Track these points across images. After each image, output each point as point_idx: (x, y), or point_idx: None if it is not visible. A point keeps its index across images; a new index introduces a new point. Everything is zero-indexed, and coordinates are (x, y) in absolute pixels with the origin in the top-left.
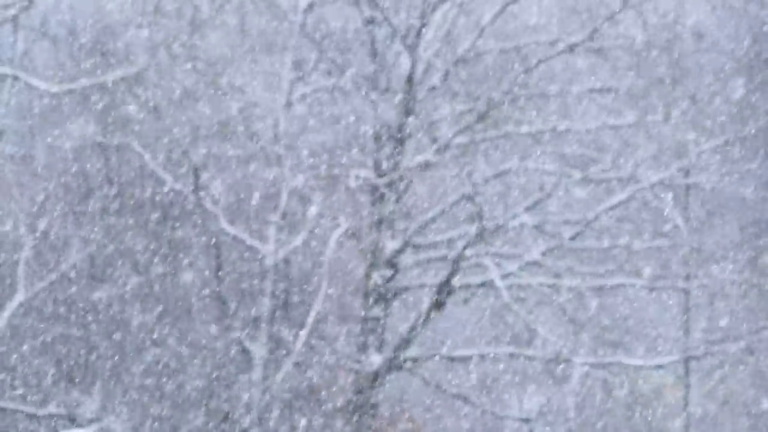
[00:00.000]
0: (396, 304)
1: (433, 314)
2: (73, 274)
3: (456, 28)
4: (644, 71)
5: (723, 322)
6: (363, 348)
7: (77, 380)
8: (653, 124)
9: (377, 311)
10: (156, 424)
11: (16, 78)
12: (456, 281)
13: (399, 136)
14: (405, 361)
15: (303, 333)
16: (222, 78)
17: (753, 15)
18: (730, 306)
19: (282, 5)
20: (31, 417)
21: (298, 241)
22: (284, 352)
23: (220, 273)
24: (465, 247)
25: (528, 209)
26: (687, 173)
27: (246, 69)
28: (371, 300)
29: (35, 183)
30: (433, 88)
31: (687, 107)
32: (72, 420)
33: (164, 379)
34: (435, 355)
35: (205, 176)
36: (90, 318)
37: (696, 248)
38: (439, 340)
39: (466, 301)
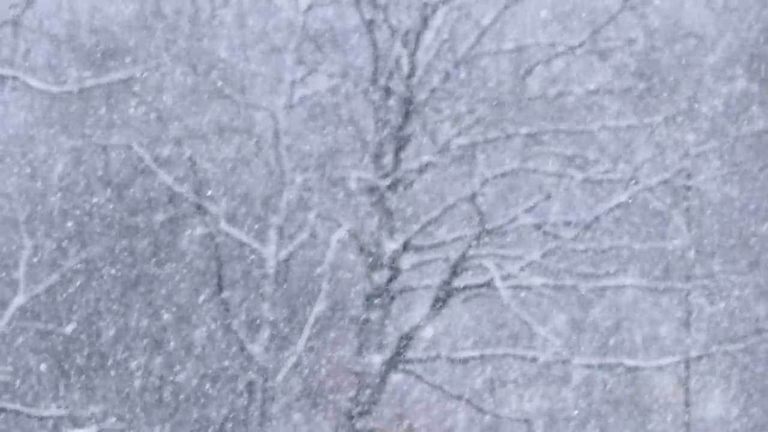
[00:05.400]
0: (396, 305)
1: (433, 315)
2: (72, 276)
3: (456, 30)
4: (644, 72)
5: (723, 323)
6: (363, 349)
7: (77, 380)
8: (653, 125)
9: (377, 312)
10: (156, 424)
11: (16, 78)
12: (456, 282)
13: (399, 137)
14: (405, 362)
15: (304, 334)
16: (223, 79)
17: (753, 15)
18: (730, 306)
19: (282, 7)
20: (32, 417)
21: (298, 242)
22: (285, 353)
23: (220, 274)
24: (466, 249)
25: (528, 210)
26: (687, 174)
27: (246, 70)
28: (371, 301)
29: (35, 184)
30: (434, 89)
31: (687, 108)
32: (72, 420)
33: (164, 380)
34: (435, 356)
35: (205, 178)
36: (89, 319)
37: (696, 248)
38: (440, 341)
39: (466, 302)
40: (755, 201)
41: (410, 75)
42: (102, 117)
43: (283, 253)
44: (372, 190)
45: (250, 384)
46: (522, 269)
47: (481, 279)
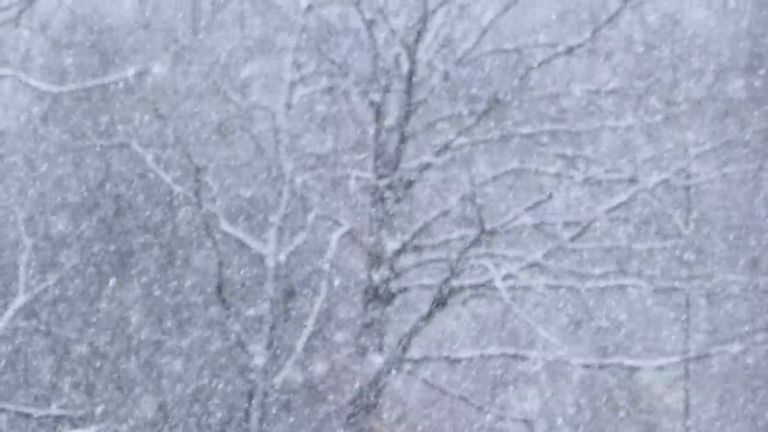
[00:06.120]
0: (396, 305)
1: (433, 315)
2: (72, 276)
3: (456, 30)
4: (644, 72)
5: (723, 323)
6: (363, 349)
7: (77, 381)
8: (653, 125)
9: (377, 312)
10: (156, 425)
11: (16, 79)
12: (456, 282)
13: (399, 137)
14: (405, 362)
15: (304, 334)
16: (222, 79)
17: (752, 15)
18: (730, 307)
19: (282, 6)
20: (31, 417)
21: (298, 242)
22: (285, 353)
23: (220, 274)
24: (465, 249)
25: (528, 210)
26: (687, 174)
27: (246, 70)
28: (371, 301)
29: (35, 183)
30: (433, 89)
31: (687, 108)
32: (72, 420)
33: (164, 380)
34: (435, 356)
35: (205, 177)
36: (89, 319)
37: (696, 249)
38: (440, 341)
39: (465, 302)
40: (755, 201)
41: (410, 75)
42: (102, 117)
43: (283, 253)
44: (372, 190)
45: (250, 384)
46: (522, 269)
47: (481, 279)
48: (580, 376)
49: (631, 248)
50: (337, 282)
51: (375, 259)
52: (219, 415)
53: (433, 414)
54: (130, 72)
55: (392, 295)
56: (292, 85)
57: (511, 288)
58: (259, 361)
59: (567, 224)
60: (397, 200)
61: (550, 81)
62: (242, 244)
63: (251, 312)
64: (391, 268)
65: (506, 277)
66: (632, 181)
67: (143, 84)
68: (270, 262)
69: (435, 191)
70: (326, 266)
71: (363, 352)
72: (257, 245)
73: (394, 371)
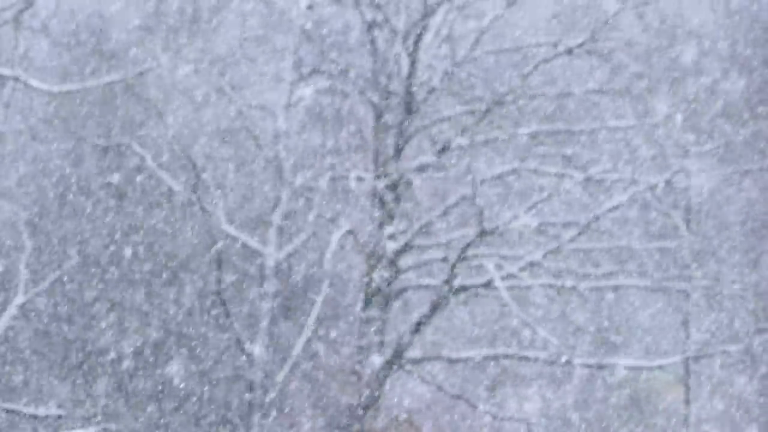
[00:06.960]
0: (396, 305)
1: (433, 315)
2: (72, 276)
3: (456, 30)
4: (644, 73)
5: (723, 323)
6: (363, 349)
7: (77, 381)
8: (653, 125)
9: (378, 312)
10: (156, 424)
11: (16, 79)
12: (456, 282)
13: (399, 137)
14: (406, 362)
15: (303, 334)
16: (223, 79)
17: (753, 15)
18: (730, 306)
19: (282, 6)
20: (32, 417)
21: (298, 242)
22: (285, 353)
23: (220, 274)
24: (465, 249)
25: (528, 210)
26: (687, 174)
27: (247, 70)
28: (371, 301)
29: (35, 183)
30: (433, 89)
31: (687, 109)
32: (72, 420)
33: (164, 380)
34: (436, 356)
35: (206, 177)
36: (89, 319)
37: (696, 249)
38: (440, 341)
39: (466, 302)
40: (755, 201)
41: (410, 75)
42: (102, 117)
43: (283, 253)
44: (372, 190)
45: (250, 384)
46: (522, 269)
47: (481, 279)
48: (580, 376)
49: (631, 248)
50: (337, 282)
51: (375, 259)
52: (219, 414)
53: (433, 414)
54: (130, 72)
55: (392, 295)
56: (292, 85)
57: (511, 288)
58: (259, 360)
59: (567, 224)
60: (397, 200)
61: (550, 81)
62: (242, 244)
63: (251, 311)
64: (391, 268)
65: (506, 277)
66: (632, 181)
67: (143, 84)
68: (270, 262)
69: (435, 191)
70: (326, 266)
71: (363, 352)
72: (257, 245)
73: (394, 371)
